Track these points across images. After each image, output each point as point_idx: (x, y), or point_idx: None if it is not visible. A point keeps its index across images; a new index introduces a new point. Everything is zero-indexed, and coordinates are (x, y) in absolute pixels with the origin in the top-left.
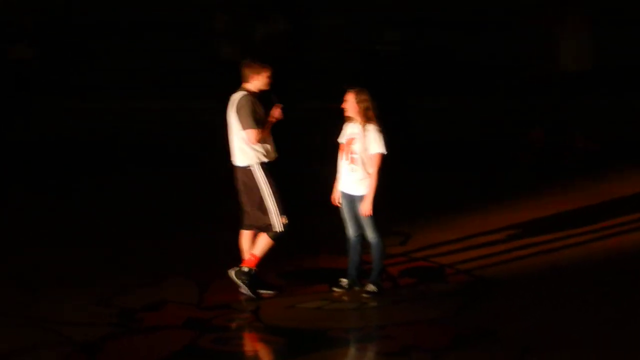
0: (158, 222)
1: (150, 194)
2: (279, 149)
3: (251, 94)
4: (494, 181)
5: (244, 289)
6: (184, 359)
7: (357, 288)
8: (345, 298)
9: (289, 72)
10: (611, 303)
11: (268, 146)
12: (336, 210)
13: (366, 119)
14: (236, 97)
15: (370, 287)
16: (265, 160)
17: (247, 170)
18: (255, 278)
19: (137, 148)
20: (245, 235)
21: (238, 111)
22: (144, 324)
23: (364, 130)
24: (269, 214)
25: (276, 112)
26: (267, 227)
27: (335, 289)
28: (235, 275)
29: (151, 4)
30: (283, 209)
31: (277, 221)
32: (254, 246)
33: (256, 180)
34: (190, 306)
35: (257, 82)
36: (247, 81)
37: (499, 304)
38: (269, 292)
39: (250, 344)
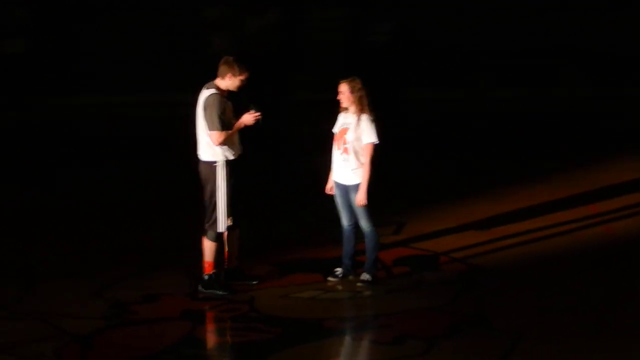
0: (150, 214)
1: (140, 186)
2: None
3: (221, 93)
4: (488, 170)
5: (220, 294)
6: (181, 350)
7: (351, 277)
8: (339, 287)
9: (281, 64)
10: (603, 290)
11: (234, 143)
12: (331, 200)
13: (360, 108)
14: (205, 94)
15: (365, 277)
16: (232, 157)
17: (211, 165)
18: (220, 276)
19: (126, 140)
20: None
21: (205, 110)
22: (139, 316)
23: (358, 119)
24: (217, 212)
25: (248, 119)
26: (210, 226)
27: (329, 278)
28: (204, 288)
29: None
30: (232, 211)
31: (222, 221)
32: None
33: (216, 176)
34: (185, 297)
35: (230, 82)
36: (221, 77)
37: (493, 292)
38: (252, 282)
39: (246, 334)
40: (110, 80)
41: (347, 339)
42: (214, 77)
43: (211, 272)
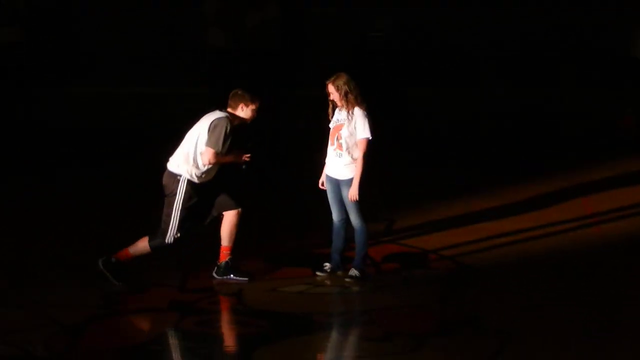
0: (142, 206)
1: (140, 186)
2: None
3: (232, 120)
4: (480, 170)
5: (112, 280)
6: (168, 340)
7: (340, 273)
8: (328, 283)
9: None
10: (593, 290)
11: (212, 171)
12: (322, 194)
13: (348, 103)
14: (216, 114)
15: (354, 272)
16: (196, 181)
17: (176, 177)
18: (122, 267)
19: (123, 133)
20: (224, 220)
21: (213, 127)
22: (128, 307)
23: (351, 115)
24: (167, 223)
25: (238, 158)
26: (160, 232)
27: (318, 273)
28: (103, 265)
29: None
30: (183, 229)
31: (171, 234)
32: (135, 245)
33: (177, 189)
34: (173, 289)
35: (243, 112)
36: (233, 109)
37: (482, 290)
38: (242, 278)
39: (234, 327)
40: (110, 77)
41: (335, 334)
42: (211, 71)
43: (122, 260)
